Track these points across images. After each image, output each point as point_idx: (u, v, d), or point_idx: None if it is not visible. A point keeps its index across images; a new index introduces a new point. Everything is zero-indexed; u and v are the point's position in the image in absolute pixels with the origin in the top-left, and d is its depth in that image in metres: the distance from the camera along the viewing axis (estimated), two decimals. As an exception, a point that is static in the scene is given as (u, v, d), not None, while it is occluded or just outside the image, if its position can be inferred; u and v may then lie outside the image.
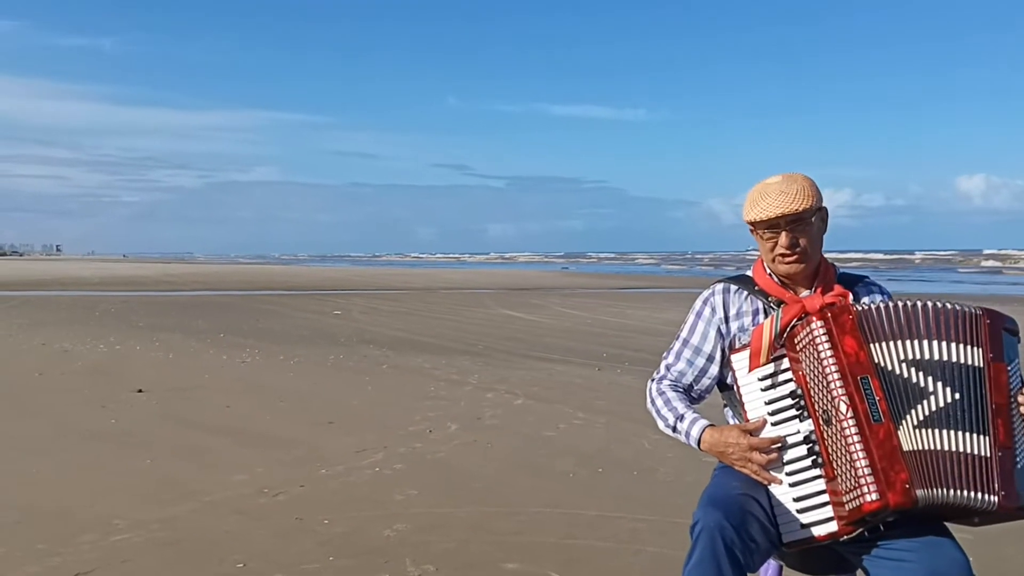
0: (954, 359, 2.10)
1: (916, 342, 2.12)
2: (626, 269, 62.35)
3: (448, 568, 3.70)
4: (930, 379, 2.09)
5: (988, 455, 2.03)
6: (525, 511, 4.49)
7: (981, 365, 2.10)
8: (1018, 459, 2.06)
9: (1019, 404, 2.10)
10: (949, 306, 2.15)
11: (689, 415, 2.42)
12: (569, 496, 4.78)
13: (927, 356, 2.11)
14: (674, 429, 2.45)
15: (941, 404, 2.07)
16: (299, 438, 6.20)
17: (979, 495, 2.00)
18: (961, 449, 2.03)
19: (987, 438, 2.04)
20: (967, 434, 2.04)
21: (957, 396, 2.07)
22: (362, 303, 21.56)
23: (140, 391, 8.06)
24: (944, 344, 2.11)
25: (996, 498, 2.00)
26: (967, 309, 2.15)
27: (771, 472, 2.23)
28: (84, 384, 8.49)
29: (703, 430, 2.36)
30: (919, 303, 2.17)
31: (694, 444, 2.39)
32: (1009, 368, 2.12)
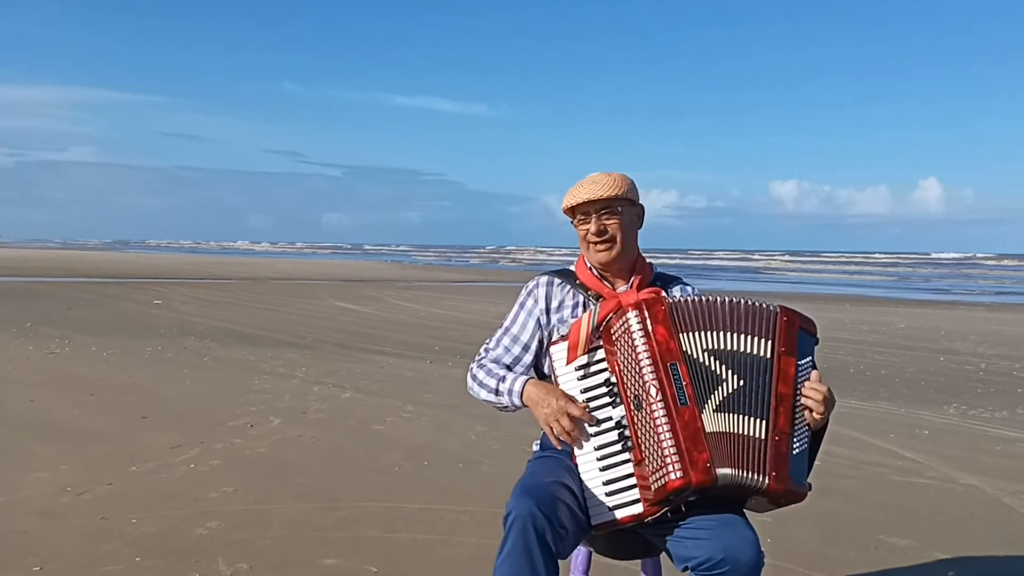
0: (743, 349, 2.25)
1: (716, 333, 2.27)
2: (463, 262, 62.70)
3: (263, 566, 3.59)
4: (724, 367, 2.23)
5: (763, 438, 2.17)
6: (347, 506, 4.42)
7: (769, 356, 2.25)
8: (795, 445, 2.20)
9: (803, 395, 2.25)
10: (749, 302, 2.31)
11: (510, 375, 2.50)
12: (394, 490, 4.75)
13: (722, 346, 2.26)
14: (496, 392, 2.50)
15: (731, 390, 2.21)
16: (110, 433, 5.87)
17: (751, 475, 2.13)
18: (742, 432, 2.17)
19: (764, 423, 2.18)
20: (748, 418, 2.18)
21: (742, 383, 2.22)
22: (186, 292, 20.63)
23: (-71, 384, 7.40)
24: (736, 335, 2.26)
25: (767, 479, 2.13)
26: (766, 306, 2.30)
27: (577, 449, 2.31)
28: None
29: (525, 383, 2.45)
30: (721, 298, 2.31)
31: (516, 399, 2.46)
32: (800, 362, 2.27)
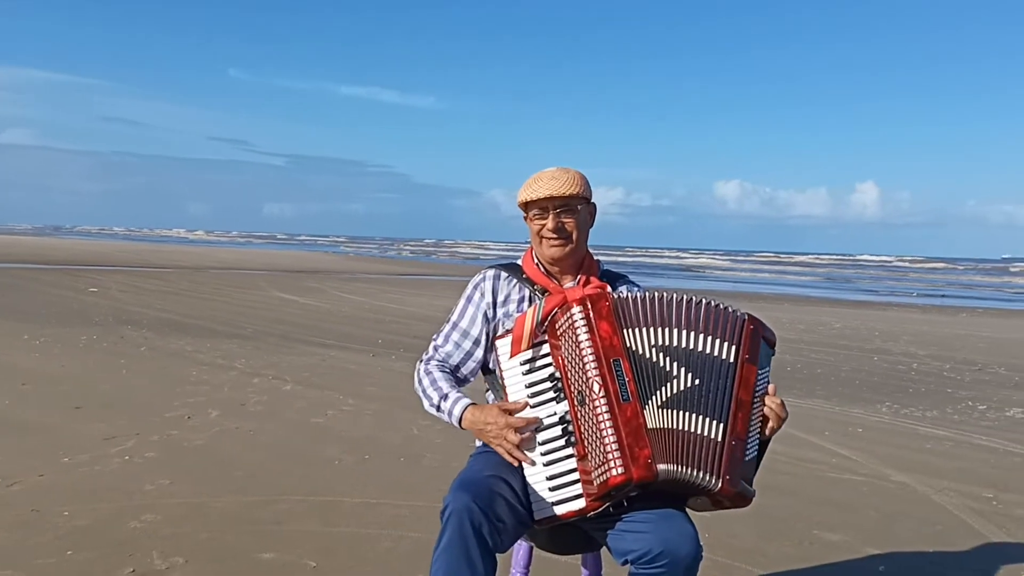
0: (701, 349, 2.26)
1: (665, 330, 2.27)
2: (408, 255, 62.26)
3: (199, 560, 3.53)
4: (675, 364, 2.24)
5: (720, 440, 2.18)
6: (287, 500, 4.37)
7: (732, 361, 2.26)
8: (748, 451, 2.22)
9: (762, 404, 2.28)
10: (714, 304, 2.32)
11: (453, 395, 2.49)
12: (334, 483, 4.70)
13: (674, 343, 2.26)
14: (438, 408, 2.51)
15: (682, 387, 2.21)
16: (41, 424, 5.72)
17: (705, 475, 2.15)
18: (696, 431, 2.18)
19: (722, 425, 2.19)
20: (703, 418, 2.19)
21: (697, 382, 2.22)
22: (123, 280, 20.18)
23: None
24: (694, 335, 2.27)
25: (720, 481, 2.15)
26: (732, 311, 2.32)
27: (525, 452, 2.31)
28: None
29: (464, 409, 2.43)
30: (679, 296, 2.32)
31: (456, 423, 2.46)
32: (760, 372, 2.29)
